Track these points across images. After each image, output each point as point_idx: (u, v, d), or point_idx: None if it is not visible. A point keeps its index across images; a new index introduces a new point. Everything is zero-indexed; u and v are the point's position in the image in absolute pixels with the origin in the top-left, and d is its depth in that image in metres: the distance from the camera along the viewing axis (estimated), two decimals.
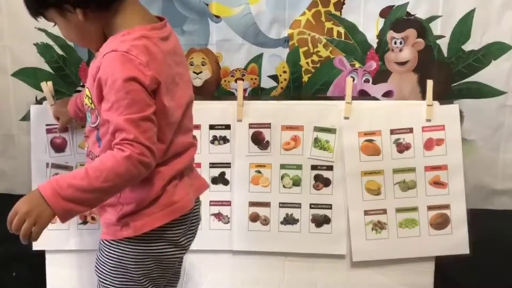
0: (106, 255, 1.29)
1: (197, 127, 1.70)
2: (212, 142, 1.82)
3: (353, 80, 1.91)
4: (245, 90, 1.95)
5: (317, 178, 1.82)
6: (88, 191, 1.12)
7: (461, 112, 1.83)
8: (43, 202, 1.11)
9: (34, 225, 1.11)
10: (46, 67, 1.96)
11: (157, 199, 1.25)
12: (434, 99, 1.80)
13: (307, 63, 1.95)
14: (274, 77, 1.97)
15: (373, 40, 1.93)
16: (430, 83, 1.80)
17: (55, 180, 1.13)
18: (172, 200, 1.27)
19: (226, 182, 1.83)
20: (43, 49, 1.94)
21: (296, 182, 1.83)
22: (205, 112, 1.77)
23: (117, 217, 1.25)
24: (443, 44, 1.92)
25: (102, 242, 1.31)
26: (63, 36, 1.29)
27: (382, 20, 1.91)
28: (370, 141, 1.81)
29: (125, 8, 1.22)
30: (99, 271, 1.32)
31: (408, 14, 1.90)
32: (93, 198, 1.14)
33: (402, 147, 1.81)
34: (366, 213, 1.82)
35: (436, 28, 1.91)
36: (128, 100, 1.13)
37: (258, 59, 1.95)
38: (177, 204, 1.28)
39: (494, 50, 1.92)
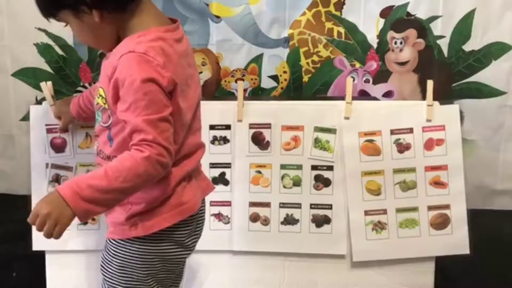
0: (113, 254, 1.29)
1: None
2: (212, 142, 1.82)
3: (353, 80, 1.91)
4: (245, 90, 1.95)
5: (317, 178, 1.82)
6: (107, 192, 1.12)
7: (461, 112, 1.83)
8: (63, 204, 1.11)
9: (55, 226, 1.11)
10: (46, 67, 1.96)
11: (166, 200, 1.25)
12: (434, 99, 1.80)
13: (307, 63, 1.95)
14: (274, 77, 1.97)
15: (373, 40, 1.93)
16: (430, 83, 1.80)
17: (74, 181, 1.14)
18: (181, 201, 1.27)
19: (226, 182, 1.83)
20: (43, 49, 1.94)
21: (296, 182, 1.82)
22: (205, 112, 1.73)
23: (126, 217, 1.25)
24: (444, 44, 1.92)
25: (108, 241, 1.31)
26: (77, 37, 1.28)
27: (382, 20, 1.91)
28: (370, 141, 1.81)
29: (141, 9, 1.21)
30: (104, 270, 1.32)
31: (409, 14, 1.91)
32: (111, 199, 1.15)
33: (402, 147, 1.81)
34: (366, 213, 1.82)
35: (437, 28, 1.91)
36: (146, 101, 1.13)
37: (258, 59, 1.95)
38: (186, 205, 1.28)
39: (494, 50, 1.93)
